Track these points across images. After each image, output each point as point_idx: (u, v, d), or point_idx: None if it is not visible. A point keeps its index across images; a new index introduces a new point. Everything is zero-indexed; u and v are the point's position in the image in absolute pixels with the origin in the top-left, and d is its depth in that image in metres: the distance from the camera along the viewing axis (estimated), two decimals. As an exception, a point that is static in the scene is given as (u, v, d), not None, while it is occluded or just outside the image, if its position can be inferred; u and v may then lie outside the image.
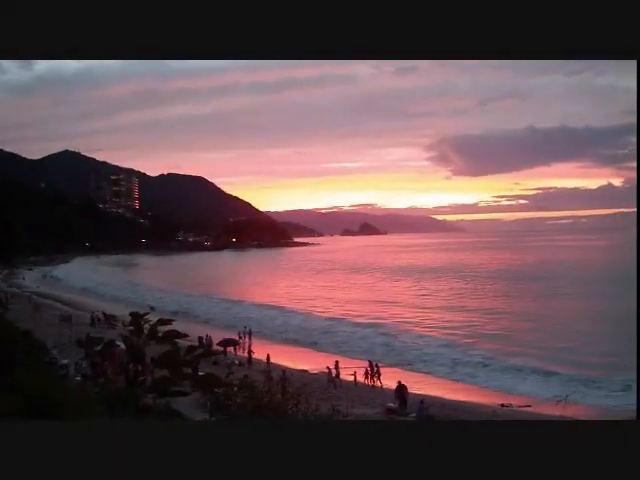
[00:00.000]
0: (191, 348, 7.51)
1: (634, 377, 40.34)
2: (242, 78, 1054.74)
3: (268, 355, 47.01)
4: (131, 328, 7.74)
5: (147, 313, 7.94)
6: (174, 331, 7.53)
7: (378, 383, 42.43)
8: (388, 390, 39.48)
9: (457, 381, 44.00)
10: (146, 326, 7.79)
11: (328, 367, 43.02)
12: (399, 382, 36.72)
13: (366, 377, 42.83)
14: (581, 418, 32.45)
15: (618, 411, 33.96)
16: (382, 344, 57.27)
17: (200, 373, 9.33)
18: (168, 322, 7.90)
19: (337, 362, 44.20)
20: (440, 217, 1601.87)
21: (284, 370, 39.70)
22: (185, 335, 8.08)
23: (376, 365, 43.40)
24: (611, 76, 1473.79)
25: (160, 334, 7.63)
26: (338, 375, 42.92)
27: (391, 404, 35.05)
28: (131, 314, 7.87)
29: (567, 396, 35.74)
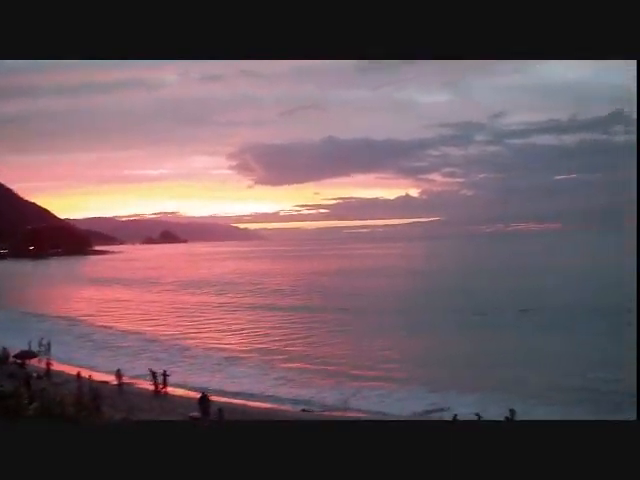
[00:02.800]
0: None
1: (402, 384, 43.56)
2: (43, 79, 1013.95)
3: (79, 372, 45.54)
4: None
5: None
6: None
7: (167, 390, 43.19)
8: (188, 399, 40.18)
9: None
10: None
11: (90, 376, 43.25)
12: (203, 392, 36.85)
13: (160, 386, 43.20)
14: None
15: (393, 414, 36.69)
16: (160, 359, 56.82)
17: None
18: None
19: (119, 370, 44.36)
20: (242, 226, 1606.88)
21: (94, 383, 39.45)
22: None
23: (163, 374, 43.52)
24: (412, 91, 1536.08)
25: None
26: (121, 384, 43.12)
27: (195, 413, 35.02)
28: None
29: (348, 398, 39.15)
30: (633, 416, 25.32)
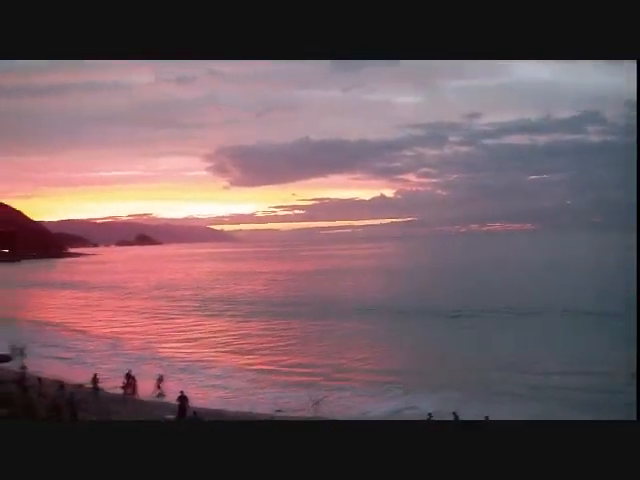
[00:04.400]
0: None
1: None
2: (11, 80, 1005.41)
3: (39, 379, 44.98)
4: None
5: None
6: None
7: (136, 394, 43.21)
8: (162, 403, 40.72)
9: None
10: None
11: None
12: (181, 392, 36.71)
13: (126, 388, 43.08)
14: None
15: (366, 412, 38.03)
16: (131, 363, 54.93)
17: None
18: None
19: (95, 375, 43.77)
20: (218, 227, 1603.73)
21: (69, 387, 38.88)
22: None
23: (132, 377, 43.56)
24: (383, 93, 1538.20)
25: None
26: (97, 388, 42.60)
27: (170, 416, 34.96)
28: None
29: (319, 400, 39.17)
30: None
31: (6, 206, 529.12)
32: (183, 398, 36.06)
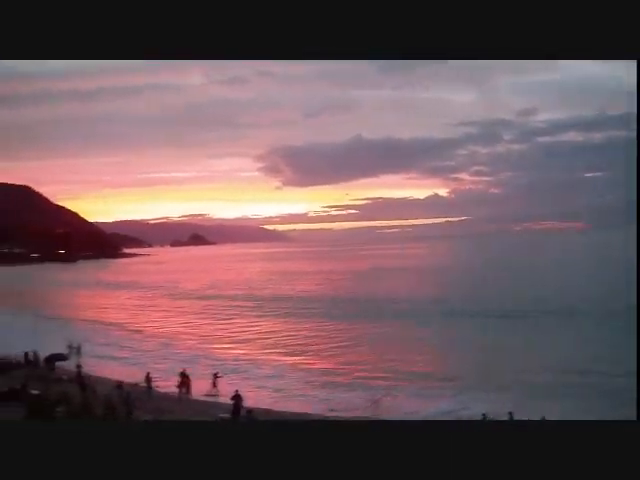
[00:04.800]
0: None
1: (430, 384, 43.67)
2: (64, 84, 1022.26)
3: (89, 377, 45.61)
4: None
5: None
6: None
7: (190, 393, 43.39)
8: (215, 402, 40.86)
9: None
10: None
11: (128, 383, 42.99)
12: (236, 391, 36.88)
13: (180, 387, 43.29)
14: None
15: (419, 412, 37.62)
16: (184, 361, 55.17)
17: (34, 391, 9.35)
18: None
19: (148, 374, 44.23)
20: (271, 227, 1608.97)
21: (125, 386, 39.23)
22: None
23: (187, 376, 43.86)
24: (435, 91, 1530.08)
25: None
26: (150, 387, 43.11)
27: (223, 415, 35.12)
28: None
29: (377, 400, 39.43)
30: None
31: (63, 208, 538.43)
32: (237, 397, 36.23)
